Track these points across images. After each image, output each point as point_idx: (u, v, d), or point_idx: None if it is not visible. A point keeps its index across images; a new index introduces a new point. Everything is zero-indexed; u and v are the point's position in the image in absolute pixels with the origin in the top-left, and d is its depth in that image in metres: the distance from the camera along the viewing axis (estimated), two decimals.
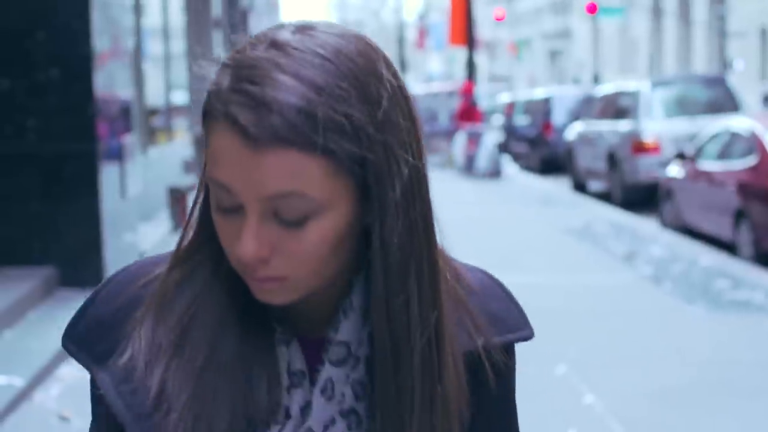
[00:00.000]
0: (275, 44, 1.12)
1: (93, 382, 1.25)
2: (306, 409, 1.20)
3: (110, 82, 9.50)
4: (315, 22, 1.17)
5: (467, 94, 24.05)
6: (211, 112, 1.13)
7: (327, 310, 1.23)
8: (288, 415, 1.19)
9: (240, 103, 1.09)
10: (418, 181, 1.17)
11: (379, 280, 1.16)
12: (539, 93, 28.54)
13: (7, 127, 8.79)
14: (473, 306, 1.28)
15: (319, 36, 1.13)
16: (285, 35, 1.13)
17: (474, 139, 22.27)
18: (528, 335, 1.33)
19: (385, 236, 1.15)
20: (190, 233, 1.24)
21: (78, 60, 8.87)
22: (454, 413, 1.23)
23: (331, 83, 1.09)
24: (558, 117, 24.36)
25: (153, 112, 15.76)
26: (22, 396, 6.38)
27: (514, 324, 1.33)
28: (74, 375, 6.88)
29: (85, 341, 1.24)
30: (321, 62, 1.10)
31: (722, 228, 12.23)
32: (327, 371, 1.21)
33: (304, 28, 1.14)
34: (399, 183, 1.14)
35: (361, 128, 1.10)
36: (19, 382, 6.47)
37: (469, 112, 23.35)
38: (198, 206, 1.24)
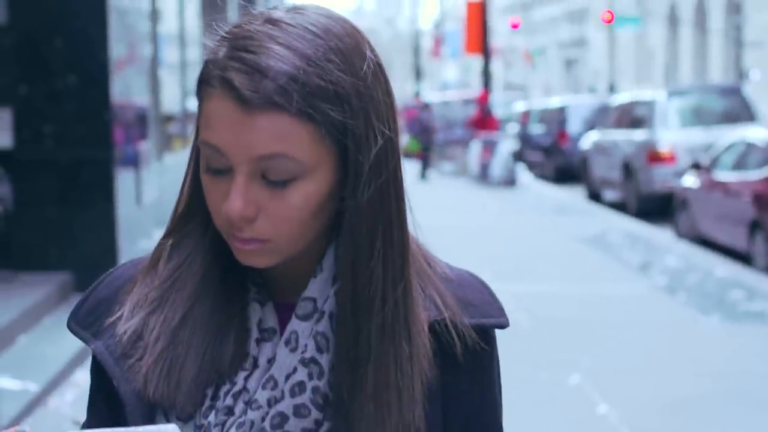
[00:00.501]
0: (270, 20, 1.23)
1: (93, 358, 1.36)
2: (272, 360, 1.28)
3: (127, 88, 9.54)
4: (306, 4, 1.28)
5: (482, 102, 24.05)
6: (207, 80, 1.22)
7: (302, 277, 1.30)
8: (256, 365, 1.28)
9: (236, 69, 1.19)
10: (393, 152, 1.26)
11: (347, 238, 1.25)
12: (555, 102, 28.52)
13: (25, 133, 8.84)
14: (446, 289, 1.34)
15: (310, 15, 1.24)
16: (279, 13, 1.25)
17: (489, 147, 22.28)
18: (502, 323, 1.36)
19: (357, 197, 1.24)
20: (183, 203, 1.34)
21: (95, 66, 8.92)
22: (417, 374, 1.28)
23: (320, 55, 1.20)
24: (573, 126, 24.34)
25: (169, 118, 15.80)
26: (37, 401, 6.41)
27: (488, 311, 1.36)
28: (89, 381, 6.92)
29: (86, 320, 1.36)
30: (312, 37, 1.21)
31: (737, 239, 12.20)
32: (292, 324, 1.28)
33: (296, 8, 1.26)
34: (374, 150, 1.23)
35: (346, 98, 1.20)
36: (34, 387, 6.50)
37: (485, 121, 23.35)
38: (189, 176, 1.32)
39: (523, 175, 24.71)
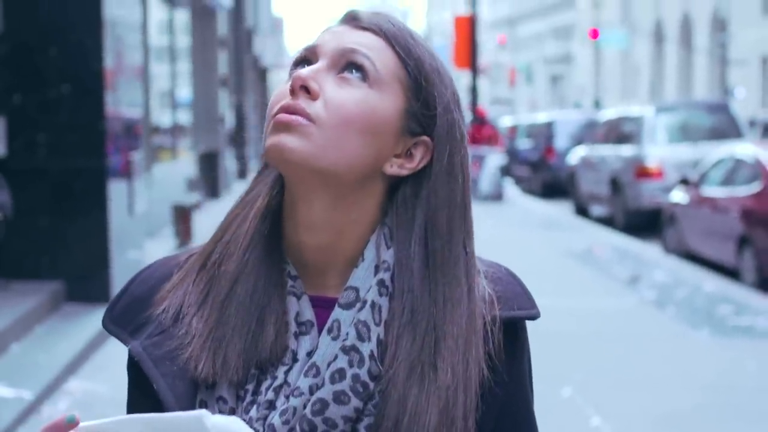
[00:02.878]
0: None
1: (129, 356, 1.38)
2: (312, 353, 1.31)
3: (120, 99, 9.55)
4: None
5: (482, 117, 24.11)
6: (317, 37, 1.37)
7: (335, 271, 1.35)
8: (295, 359, 1.31)
9: (354, 15, 1.36)
10: (461, 130, 1.37)
11: (431, 185, 1.34)
12: (542, 117, 28.62)
13: (18, 142, 8.83)
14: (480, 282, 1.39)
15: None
16: None
17: (477, 161, 22.31)
18: (533, 315, 1.41)
19: (436, 133, 1.35)
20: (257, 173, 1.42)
21: (89, 77, 8.93)
22: (476, 360, 1.33)
23: (413, 32, 1.37)
24: (560, 141, 24.41)
25: (156, 129, 15.82)
26: (31, 409, 6.40)
27: (519, 303, 1.41)
28: (82, 389, 6.92)
29: (121, 318, 1.38)
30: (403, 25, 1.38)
31: (725, 254, 12.26)
32: (335, 313, 1.32)
33: None
34: (448, 115, 1.35)
35: (426, 67, 1.35)
36: (27, 395, 6.49)
37: (492, 136, 23.38)
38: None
39: (511, 189, 24.76)
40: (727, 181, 12.68)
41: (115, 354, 7.76)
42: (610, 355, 8.29)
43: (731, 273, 12.08)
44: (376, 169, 1.33)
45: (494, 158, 22.32)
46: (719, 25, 43.75)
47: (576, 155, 20.77)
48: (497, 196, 22.11)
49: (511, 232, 16.15)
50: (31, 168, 8.87)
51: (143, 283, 1.40)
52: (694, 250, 13.38)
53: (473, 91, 25.28)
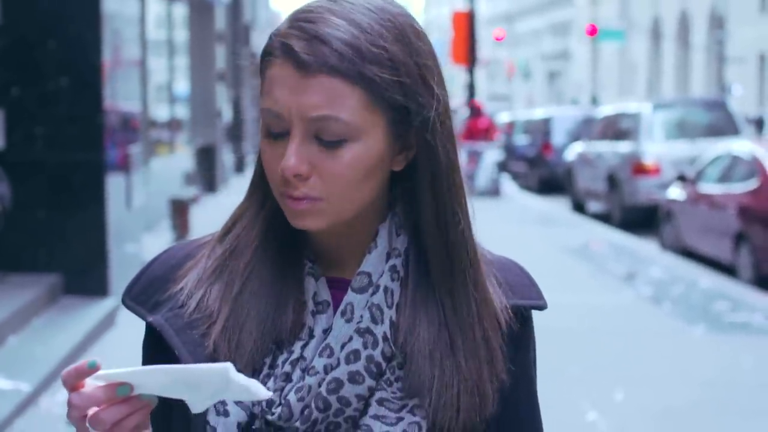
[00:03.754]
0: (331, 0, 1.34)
1: (146, 333, 1.42)
2: (328, 331, 1.36)
3: (118, 93, 9.55)
4: None
5: (478, 108, 24.08)
6: (270, 51, 1.32)
7: (351, 254, 1.39)
8: (312, 335, 1.35)
9: (296, 36, 1.29)
10: (447, 112, 1.37)
11: (425, 179, 1.36)
12: (539, 113, 28.62)
13: (16, 135, 8.83)
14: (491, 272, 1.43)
15: None
16: None
17: (474, 157, 22.31)
18: (540, 305, 1.45)
19: (429, 151, 1.35)
20: (254, 175, 1.43)
21: (88, 70, 8.92)
22: (493, 341, 1.38)
23: (375, 26, 1.30)
24: (558, 137, 24.42)
25: (153, 123, 15.82)
26: (29, 401, 6.42)
27: (527, 293, 1.45)
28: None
29: (140, 297, 1.42)
30: (368, 12, 1.31)
31: (722, 250, 12.28)
32: (348, 297, 1.36)
33: None
34: (434, 108, 1.34)
35: (399, 61, 1.30)
36: (25, 387, 6.50)
37: (487, 129, 23.34)
38: (259, 150, 1.40)
39: (508, 185, 24.77)
40: (724, 177, 12.70)
41: (114, 346, 7.78)
42: (607, 350, 8.31)
43: (728, 270, 12.10)
44: (384, 183, 1.37)
45: (491, 154, 22.33)
46: (717, 22, 43.77)
47: (573, 151, 20.79)
48: (494, 192, 22.11)
49: (507, 228, 16.15)
50: (29, 161, 8.86)
51: (163, 264, 1.44)
52: (691, 246, 13.40)
53: (471, 86, 25.26)
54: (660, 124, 17.03)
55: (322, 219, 1.32)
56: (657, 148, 16.60)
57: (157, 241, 12.04)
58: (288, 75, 1.29)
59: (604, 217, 18.19)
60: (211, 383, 1.19)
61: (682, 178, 13.98)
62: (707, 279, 11.55)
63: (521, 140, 27.63)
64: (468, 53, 25.22)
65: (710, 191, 12.90)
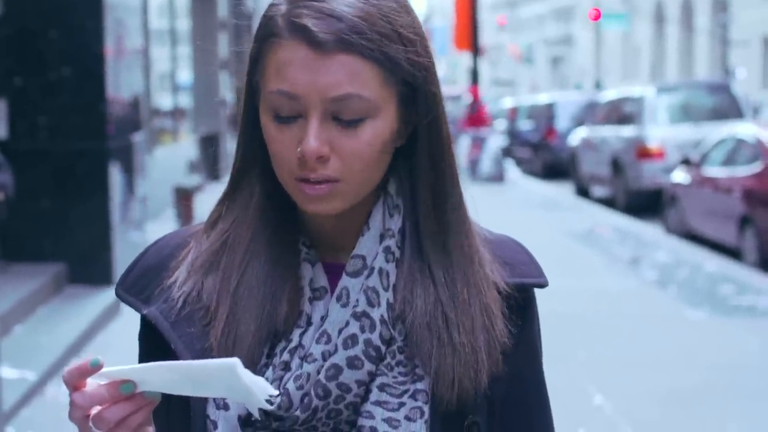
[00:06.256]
0: None
1: (141, 325, 1.40)
2: (326, 317, 1.33)
3: (121, 81, 9.55)
4: None
5: (474, 97, 24.05)
6: (274, 32, 1.28)
7: (348, 237, 1.36)
8: (310, 322, 1.33)
9: (307, 14, 1.25)
10: (438, 83, 1.36)
11: (424, 158, 1.35)
12: (543, 98, 28.59)
13: (20, 125, 8.84)
14: (486, 250, 1.41)
15: None
16: None
17: (478, 143, 22.29)
18: (542, 282, 1.42)
19: (434, 117, 1.33)
20: (236, 165, 1.38)
21: (90, 59, 8.93)
22: (492, 319, 1.36)
23: (383, 2, 1.28)
24: (561, 122, 24.38)
25: (157, 112, 15.82)
26: (35, 390, 6.43)
27: (527, 271, 1.42)
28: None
29: (134, 287, 1.39)
30: None
31: (727, 234, 12.26)
32: (343, 281, 1.33)
33: None
34: (438, 83, 1.34)
35: (407, 34, 1.29)
36: (31, 376, 6.51)
37: (477, 116, 23.31)
38: (242, 138, 1.38)
39: (512, 171, 24.75)
40: (729, 161, 12.68)
41: (119, 335, 7.79)
42: (612, 334, 8.31)
43: (732, 253, 12.09)
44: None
45: (495, 140, 22.30)
46: (720, 5, 43.65)
47: (577, 136, 20.76)
48: (498, 178, 22.10)
49: (512, 214, 16.15)
50: (32, 150, 8.88)
51: (157, 253, 1.41)
52: (696, 230, 13.38)
53: (474, 72, 25.21)
54: (664, 107, 16.99)
55: (339, 201, 1.30)
56: (661, 131, 16.57)
57: (161, 230, 11.97)
58: (302, 56, 1.25)
59: (608, 202, 18.17)
60: (220, 379, 1.17)
61: (686, 162, 13.96)
62: (712, 262, 11.54)
63: (525, 125, 27.60)
64: (471, 39, 25.15)
65: (715, 174, 12.87)
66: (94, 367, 1.17)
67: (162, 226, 12.50)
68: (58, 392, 6.53)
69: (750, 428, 6.15)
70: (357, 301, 1.32)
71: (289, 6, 1.27)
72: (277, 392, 1.22)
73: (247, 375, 1.17)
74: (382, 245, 1.34)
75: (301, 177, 1.28)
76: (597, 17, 44.74)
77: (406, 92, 1.30)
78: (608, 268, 11.44)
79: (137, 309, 1.38)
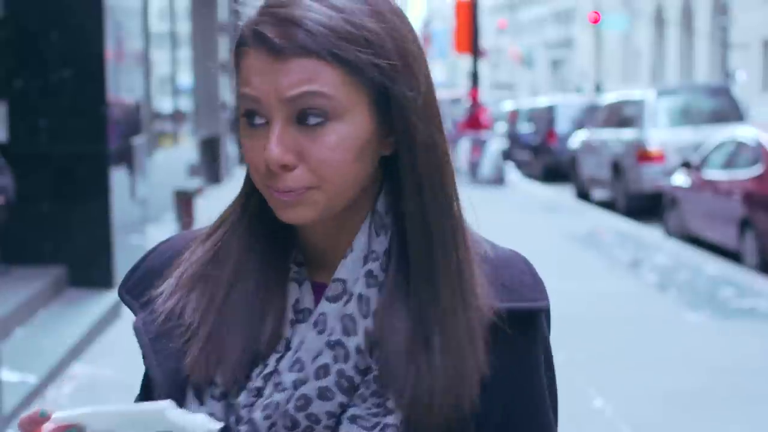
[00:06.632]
0: None
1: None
2: (303, 343, 1.28)
3: (122, 84, 9.55)
4: None
5: (474, 100, 24.05)
6: (242, 41, 1.26)
7: (341, 257, 1.30)
8: (289, 347, 1.28)
9: (267, 22, 1.23)
10: (435, 100, 1.30)
11: (407, 178, 1.27)
12: (543, 101, 28.56)
13: (20, 127, 8.83)
14: (481, 272, 1.32)
15: None
16: None
17: (478, 146, 22.29)
18: (539, 307, 1.33)
19: (410, 135, 1.26)
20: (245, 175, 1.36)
21: (91, 61, 8.92)
22: (476, 347, 1.27)
23: (349, 5, 1.24)
24: (562, 125, 24.37)
25: (157, 115, 15.82)
26: (35, 394, 6.43)
27: (525, 293, 1.33)
28: (86, 373, 6.95)
29: (135, 289, 1.38)
30: None
31: (727, 237, 12.26)
32: (322, 306, 1.28)
33: None
34: (422, 92, 1.27)
35: (377, 41, 1.24)
36: (32, 379, 6.51)
37: (477, 118, 23.30)
38: (241, 149, 1.34)
39: (512, 173, 24.75)
40: (729, 164, 12.68)
41: (119, 338, 7.79)
42: (612, 337, 8.31)
43: (733, 256, 12.09)
44: (374, 168, 1.29)
45: (495, 142, 22.30)
46: (720, 8, 43.66)
47: (577, 139, 20.76)
48: (498, 181, 22.10)
49: (512, 216, 16.15)
50: (33, 153, 8.87)
51: (160, 255, 1.40)
52: (696, 233, 13.39)
53: (474, 75, 25.21)
54: (664, 110, 17.00)
55: (313, 209, 1.25)
56: (661, 134, 16.58)
57: (161, 233, 12.04)
58: (263, 62, 1.23)
59: (608, 205, 18.17)
60: (156, 421, 1.18)
61: (686, 165, 13.96)
62: (712, 265, 11.54)
63: (525, 128, 27.58)
64: (471, 42, 25.16)
65: (715, 177, 12.88)
66: (44, 417, 1.20)
67: (162, 229, 12.50)
68: (58, 395, 6.53)
69: (751, 431, 6.15)
70: (333, 328, 1.27)
71: (254, 15, 1.26)
72: (218, 426, 1.18)
73: (179, 416, 1.18)
74: (365, 269, 1.28)
75: (274, 189, 1.25)
76: (597, 20, 44.75)
77: (382, 97, 1.25)
78: (608, 271, 11.44)
79: (134, 313, 1.37)
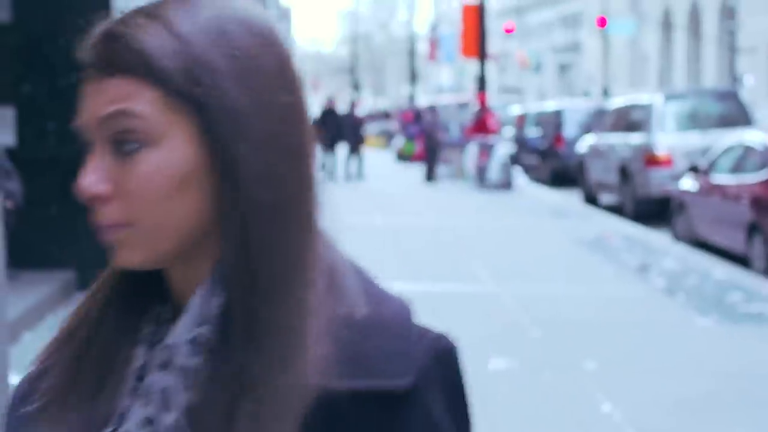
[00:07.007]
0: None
1: None
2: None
3: None
4: None
5: (482, 104, 24.06)
6: (83, 62, 1.14)
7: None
8: (122, 421, 1.13)
9: (94, 41, 1.12)
10: (284, 120, 1.11)
11: (227, 227, 1.10)
12: (550, 105, 28.58)
13: (28, 132, 8.86)
14: (333, 342, 1.09)
15: None
16: None
17: (485, 150, 22.30)
18: (395, 386, 1.09)
19: (235, 174, 1.08)
20: None
21: None
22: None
23: (181, 21, 1.10)
24: (569, 129, 24.39)
25: None
26: None
27: (384, 368, 1.09)
28: None
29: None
30: (181, 7, 1.11)
31: (735, 241, 12.25)
32: (150, 376, 1.13)
33: None
34: (259, 124, 1.09)
35: (201, 56, 1.09)
36: None
37: (485, 123, 23.31)
38: None
39: (520, 178, 24.75)
40: (737, 168, 12.68)
41: None
42: (620, 342, 8.30)
43: (741, 260, 12.07)
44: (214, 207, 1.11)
45: (503, 147, 22.30)
46: (728, 12, 43.62)
47: (585, 143, 20.76)
48: (506, 185, 22.11)
49: (520, 221, 16.16)
50: (41, 157, 8.90)
51: None
52: (704, 237, 13.38)
53: (481, 79, 25.23)
54: (672, 115, 17.01)
55: (134, 252, 1.10)
56: (669, 139, 16.58)
57: None
58: (89, 83, 1.11)
59: (616, 209, 18.16)
60: None
61: (694, 169, 13.95)
62: (720, 270, 11.53)
63: (533, 133, 27.59)
64: (478, 46, 25.18)
65: (723, 182, 12.87)
66: None
67: None
68: None
69: None
70: (154, 401, 1.12)
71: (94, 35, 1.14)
72: None
73: None
74: (191, 335, 1.11)
75: (95, 223, 1.11)
76: (604, 24, 44.76)
77: (209, 120, 1.08)
78: (616, 275, 11.43)
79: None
